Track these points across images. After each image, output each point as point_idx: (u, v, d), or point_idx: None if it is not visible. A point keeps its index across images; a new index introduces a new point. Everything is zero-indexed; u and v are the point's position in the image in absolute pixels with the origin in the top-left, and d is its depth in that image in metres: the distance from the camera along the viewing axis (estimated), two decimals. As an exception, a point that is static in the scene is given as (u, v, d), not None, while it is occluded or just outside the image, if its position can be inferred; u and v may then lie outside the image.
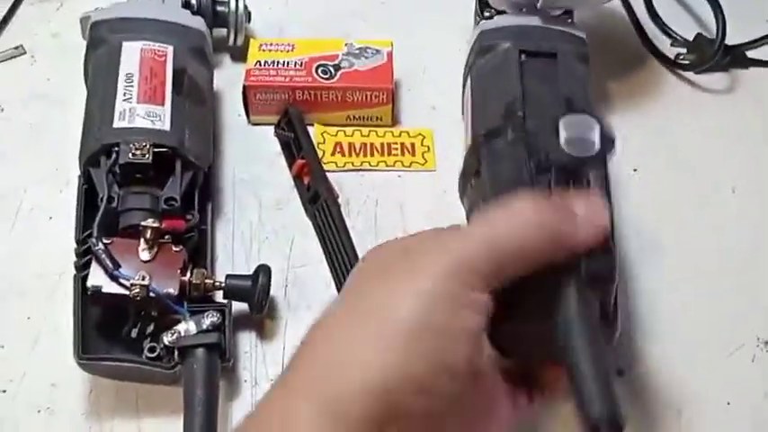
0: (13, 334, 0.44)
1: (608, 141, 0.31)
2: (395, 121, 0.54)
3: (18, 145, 0.53)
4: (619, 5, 0.60)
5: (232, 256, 0.47)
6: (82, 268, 0.41)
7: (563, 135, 0.31)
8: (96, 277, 0.40)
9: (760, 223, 0.50)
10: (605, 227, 0.31)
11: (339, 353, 0.27)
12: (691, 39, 0.57)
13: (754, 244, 0.49)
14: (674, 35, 0.59)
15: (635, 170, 0.52)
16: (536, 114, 0.40)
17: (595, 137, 0.31)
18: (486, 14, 0.50)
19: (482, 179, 0.39)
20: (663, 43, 0.59)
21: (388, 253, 0.30)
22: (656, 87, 0.57)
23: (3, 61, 0.57)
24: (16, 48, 0.57)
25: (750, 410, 0.42)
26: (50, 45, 0.58)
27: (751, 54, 0.58)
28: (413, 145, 0.53)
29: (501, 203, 0.30)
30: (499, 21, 0.48)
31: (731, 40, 0.56)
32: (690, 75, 0.57)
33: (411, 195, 0.51)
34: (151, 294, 0.39)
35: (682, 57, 0.57)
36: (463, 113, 0.50)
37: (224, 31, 0.56)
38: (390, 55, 0.54)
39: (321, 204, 0.48)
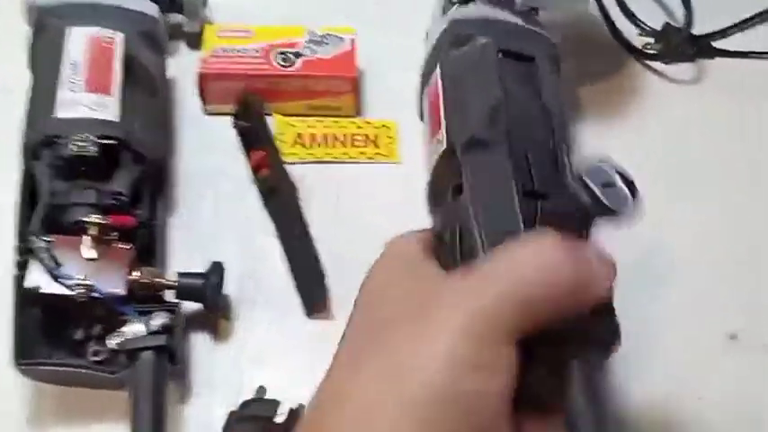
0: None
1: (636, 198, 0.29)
2: (358, 111, 0.52)
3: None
4: (587, -6, 0.59)
5: (185, 252, 0.45)
6: (22, 267, 0.39)
7: (592, 183, 0.29)
8: (36, 277, 0.38)
9: (729, 214, 0.49)
10: (612, 287, 0.28)
11: (353, 424, 0.25)
12: (658, 28, 0.57)
13: (724, 235, 0.48)
14: (642, 25, 0.58)
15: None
16: (521, 125, 0.37)
17: (622, 188, 0.29)
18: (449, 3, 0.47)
19: (464, 199, 0.35)
20: (630, 32, 0.58)
21: (395, 293, 0.27)
22: (623, 77, 0.56)
23: (-56, 47, 0.54)
24: (-42, 33, 0.54)
25: (721, 405, 0.42)
26: (-6, 30, 0.55)
27: (717, 44, 0.57)
28: (377, 136, 0.52)
29: (521, 240, 0.27)
30: (473, 10, 0.45)
31: (698, 29, 0.56)
32: (657, 65, 0.56)
33: (374, 189, 0.49)
34: (96, 295, 0.37)
35: (649, 46, 0.56)
36: (422, 108, 0.46)
37: (180, 16, 0.54)
38: (354, 42, 0.52)
39: (280, 198, 0.46)
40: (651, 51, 0.56)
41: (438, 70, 0.42)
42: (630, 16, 0.58)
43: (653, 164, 0.51)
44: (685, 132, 0.53)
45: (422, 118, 0.47)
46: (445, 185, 0.37)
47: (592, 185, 0.29)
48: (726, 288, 0.46)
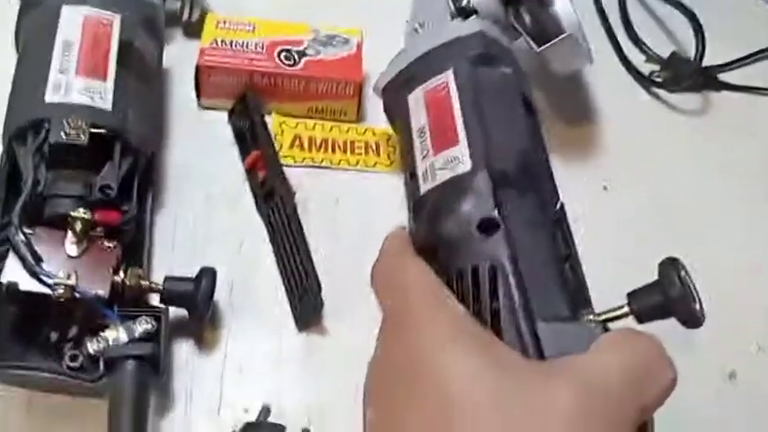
0: None
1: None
2: (360, 117, 0.51)
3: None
4: (595, 17, 0.58)
5: (172, 254, 0.42)
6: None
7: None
8: (13, 272, 0.35)
9: (727, 245, 0.49)
10: None
11: None
12: (665, 56, 0.56)
13: (723, 264, 0.48)
14: (649, 51, 0.57)
15: (605, 188, 0.50)
16: (543, 178, 0.36)
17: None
18: (460, 4, 0.44)
19: (498, 243, 0.32)
20: (637, 58, 0.57)
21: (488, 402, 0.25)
22: (628, 103, 0.55)
23: None
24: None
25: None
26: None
27: (722, 77, 0.57)
28: (378, 144, 0.50)
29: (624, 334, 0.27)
30: (501, 37, 0.42)
31: (704, 61, 0.55)
32: (662, 93, 0.56)
33: (373, 198, 0.47)
34: (77, 296, 0.35)
35: (656, 74, 0.56)
36: (399, 101, 0.41)
37: (177, 2, 0.51)
38: (360, 45, 0.50)
39: (275, 202, 0.44)
40: (658, 79, 0.55)
41: (452, 77, 0.39)
42: (638, 42, 0.58)
43: (657, 191, 0.51)
44: (689, 162, 0.53)
45: (389, 110, 0.44)
46: (458, 209, 0.34)
47: (692, 289, 0.29)
48: (728, 322, 0.45)
